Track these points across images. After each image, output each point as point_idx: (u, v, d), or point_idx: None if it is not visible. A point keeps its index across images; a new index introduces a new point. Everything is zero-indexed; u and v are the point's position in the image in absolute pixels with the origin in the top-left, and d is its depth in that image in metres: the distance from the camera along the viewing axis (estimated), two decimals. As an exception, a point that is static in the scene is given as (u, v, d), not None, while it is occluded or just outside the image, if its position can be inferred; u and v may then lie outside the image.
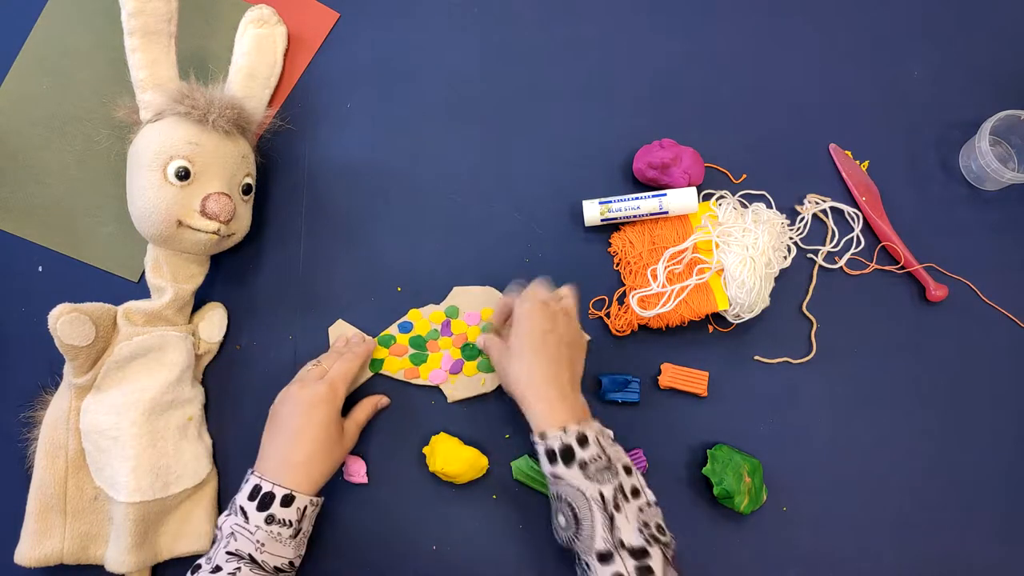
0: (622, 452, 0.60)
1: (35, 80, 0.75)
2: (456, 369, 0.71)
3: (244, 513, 0.58)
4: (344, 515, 0.69)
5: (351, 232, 0.74)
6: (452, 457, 0.66)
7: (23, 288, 0.73)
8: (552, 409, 0.59)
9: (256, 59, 0.73)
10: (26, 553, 0.63)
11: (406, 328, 0.71)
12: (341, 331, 0.71)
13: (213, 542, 0.61)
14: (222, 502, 0.69)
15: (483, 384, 0.70)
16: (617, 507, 0.55)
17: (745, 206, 0.71)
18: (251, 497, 0.59)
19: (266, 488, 0.58)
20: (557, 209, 0.75)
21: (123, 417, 0.63)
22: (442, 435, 0.68)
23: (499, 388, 0.70)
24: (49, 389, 0.68)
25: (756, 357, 0.72)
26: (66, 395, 0.65)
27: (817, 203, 0.74)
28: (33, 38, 0.76)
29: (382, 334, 0.71)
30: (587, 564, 0.56)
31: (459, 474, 0.66)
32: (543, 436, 0.59)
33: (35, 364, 0.70)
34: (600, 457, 0.57)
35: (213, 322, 0.71)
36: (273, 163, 0.75)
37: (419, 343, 0.71)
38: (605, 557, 0.54)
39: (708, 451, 0.68)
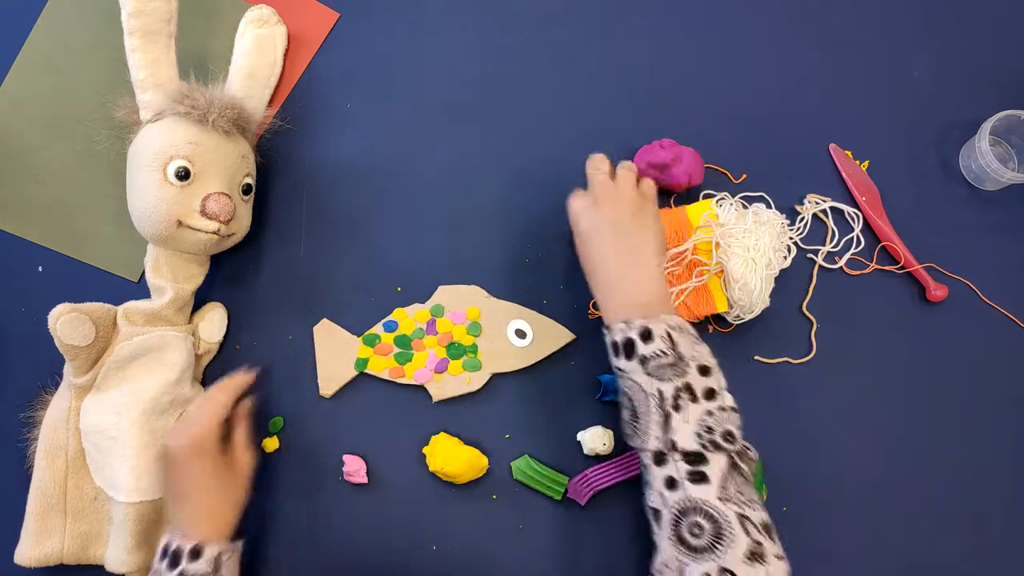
0: (704, 352, 0.57)
1: (35, 80, 0.75)
2: (441, 368, 0.70)
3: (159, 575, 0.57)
4: (344, 515, 0.69)
5: (351, 232, 0.74)
6: (452, 457, 0.66)
7: (23, 288, 0.73)
8: (616, 300, 0.58)
9: (256, 59, 0.73)
10: (26, 553, 0.63)
11: (391, 327, 0.71)
12: (327, 331, 0.71)
13: None
14: (222, 502, 0.69)
15: (468, 383, 0.70)
16: (677, 407, 0.53)
17: (745, 207, 0.71)
18: (162, 557, 0.57)
19: (173, 545, 0.57)
20: (557, 209, 0.74)
21: (123, 417, 0.63)
22: (442, 435, 0.68)
23: (484, 387, 0.70)
24: (49, 389, 0.68)
25: (756, 357, 0.72)
26: (66, 395, 0.65)
27: (817, 203, 0.74)
28: (33, 38, 0.76)
29: (367, 333, 0.71)
30: (645, 464, 0.55)
31: (459, 474, 0.66)
32: (608, 328, 0.58)
33: (35, 364, 0.70)
34: (665, 353, 0.54)
35: (213, 322, 0.71)
36: (273, 163, 0.75)
37: (404, 342, 0.71)
38: (659, 457, 0.53)
39: (708, 451, 0.68)
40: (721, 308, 0.69)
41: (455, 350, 0.71)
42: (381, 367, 0.71)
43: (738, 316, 0.69)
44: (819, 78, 0.78)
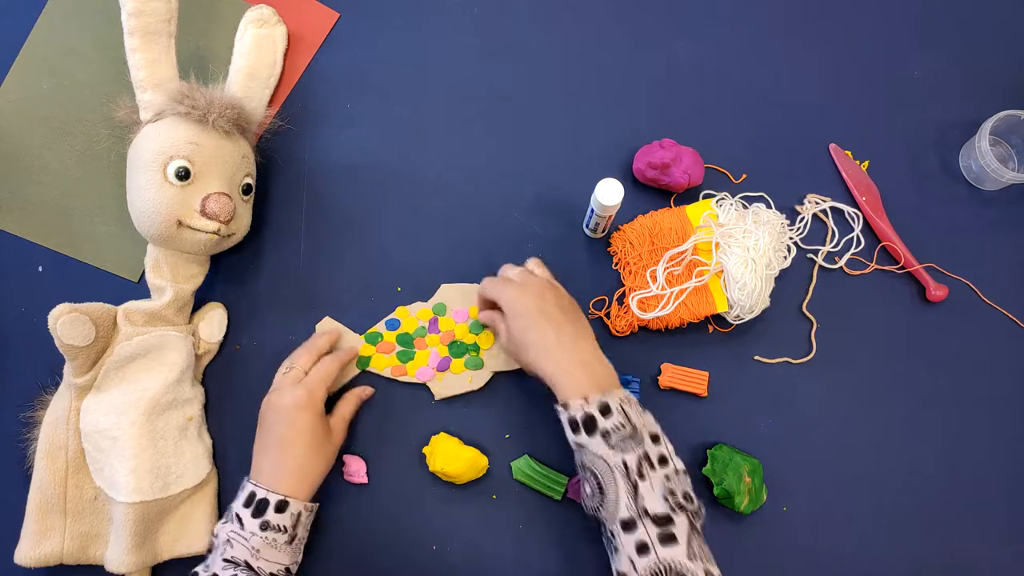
0: (651, 419, 0.59)
1: (35, 80, 0.75)
2: (443, 367, 0.71)
3: (240, 520, 0.58)
4: (344, 515, 0.69)
5: (351, 232, 0.74)
6: (452, 457, 0.66)
7: (23, 288, 0.73)
8: (572, 378, 0.59)
9: (256, 59, 0.73)
10: (26, 553, 0.63)
11: (393, 325, 0.71)
12: (328, 328, 0.71)
13: (210, 550, 0.61)
14: (222, 502, 0.69)
15: (470, 381, 0.70)
16: (641, 475, 0.55)
17: (745, 207, 0.71)
18: (246, 504, 0.59)
19: (260, 495, 0.59)
20: (557, 209, 0.75)
21: (123, 417, 0.63)
22: (442, 435, 0.68)
23: (486, 387, 0.71)
24: (49, 389, 0.68)
25: (756, 357, 0.72)
26: (66, 395, 0.65)
27: (817, 203, 0.74)
28: (33, 38, 0.76)
29: (369, 331, 0.71)
30: (612, 532, 0.56)
31: (459, 474, 0.66)
32: (565, 406, 0.59)
33: (35, 364, 0.70)
34: (624, 426, 0.56)
35: (213, 322, 0.71)
36: (273, 163, 0.75)
37: (406, 340, 0.71)
38: (628, 525, 0.55)
39: (708, 451, 0.68)
40: (721, 308, 0.69)
41: (457, 348, 0.71)
42: (383, 365, 0.71)
43: (738, 316, 0.69)
44: (819, 78, 0.78)
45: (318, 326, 0.72)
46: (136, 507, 0.62)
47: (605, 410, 0.57)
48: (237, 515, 0.59)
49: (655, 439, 0.58)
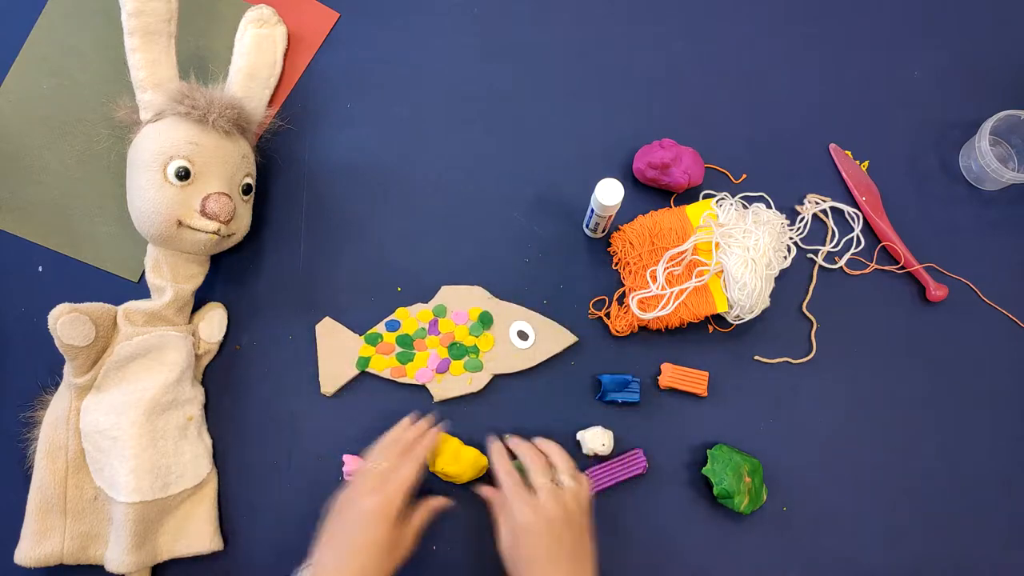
0: None
1: (35, 80, 0.75)
2: (443, 368, 0.71)
3: None
4: (344, 515, 0.69)
5: (351, 232, 0.74)
6: (453, 457, 0.66)
7: (23, 288, 0.73)
8: None
9: (256, 59, 0.73)
10: (26, 553, 0.63)
11: (393, 326, 0.71)
12: (329, 329, 0.71)
13: None
14: (222, 502, 0.69)
15: (470, 383, 0.70)
16: None
17: (745, 207, 0.71)
18: None
19: None
20: (557, 209, 0.75)
21: (123, 417, 0.63)
22: (444, 435, 0.68)
23: (485, 388, 0.71)
24: (49, 389, 0.68)
25: (756, 357, 0.72)
26: (66, 395, 0.65)
27: (817, 203, 0.74)
28: (33, 38, 0.76)
29: (369, 332, 0.71)
30: None
31: (460, 474, 0.66)
32: None
33: (35, 364, 0.70)
34: None
35: (213, 322, 0.71)
36: (273, 163, 0.75)
37: (406, 342, 0.71)
38: None
39: (708, 451, 0.68)
40: (721, 308, 0.69)
41: (457, 350, 0.71)
42: (383, 366, 0.71)
43: (738, 316, 0.69)
44: (819, 78, 0.78)
45: (318, 326, 0.72)
46: (136, 507, 0.62)
47: None
48: None
49: None
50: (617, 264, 0.73)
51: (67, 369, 0.65)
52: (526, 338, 0.71)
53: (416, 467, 0.61)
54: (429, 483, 0.68)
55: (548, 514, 0.58)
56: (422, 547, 0.68)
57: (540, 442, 0.66)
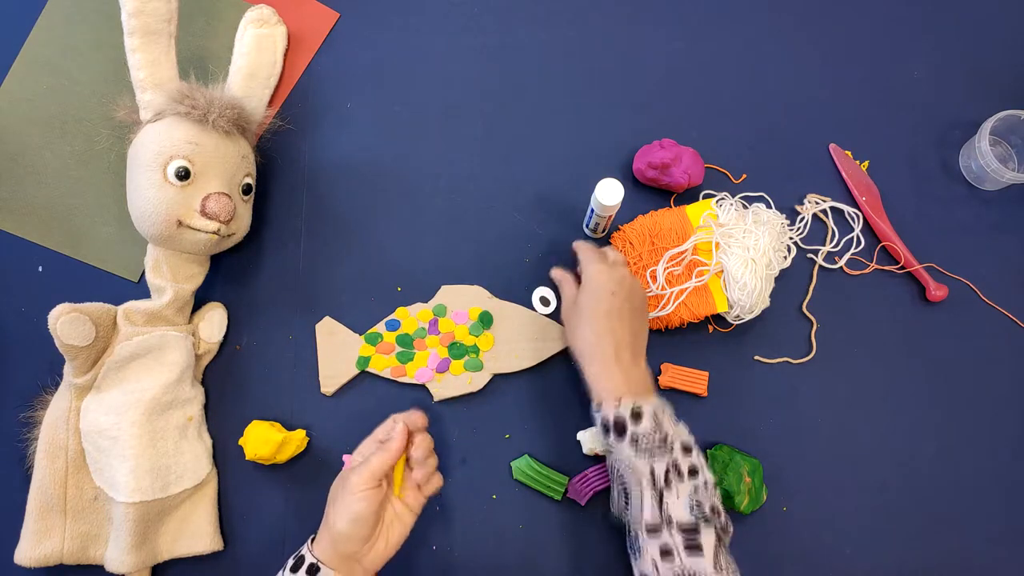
0: (684, 430, 0.60)
1: (35, 80, 0.75)
2: (443, 368, 0.71)
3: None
4: (344, 515, 0.69)
5: (351, 232, 0.74)
6: (262, 441, 0.66)
7: (23, 288, 0.73)
8: (611, 379, 0.60)
9: (256, 59, 0.73)
10: (26, 553, 0.63)
11: (393, 326, 0.71)
12: (329, 329, 0.71)
13: None
14: (222, 502, 0.69)
15: (469, 383, 0.70)
16: (668, 483, 0.56)
17: (745, 207, 0.71)
18: (295, 565, 0.57)
19: (309, 560, 0.57)
20: (557, 209, 0.75)
21: (123, 417, 0.63)
22: (253, 422, 0.68)
23: (485, 387, 0.71)
24: (49, 389, 0.68)
25: (756, 357, 0.72)
26: (66, 395, 0.65)
27: (817, 203, 0.74)
28: (33, 38, 0.76)
29: (369, 332, 0.71)
30: (636, 534, 0.57)
31: (272, 455, 0.66)
32: (599, 407, 0.60)
33: (35, 364, 0.70)
34: (654, 433, 0.57)
35: (213, 322, 0.71)
36: (273, 163, 0.75)
37: (406, 341, 0.71)
38: (653, 530, 0.55)
39: (708, 451, 0.68)
40: (721, 308, 0.69)
41: (457, 350, 0.71)
42: (383, 366, 0.71)
43: (738, 316, 0.69)
44: (819, 78, 0.78)
45: (318, 326, 0.72)
46: (136, 507, 0.62)
47: (637, 415, 0.57)
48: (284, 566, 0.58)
49: (687, 450, 0.58)
50: (617, 264, 0.73)
51: (67, 369, 0.65)
52: (548, 304, 0.72)
53: (389, 453, 0.59)
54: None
55: (620, 274, 0.63)
56: (422, 547, 0.68)
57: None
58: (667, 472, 0.56)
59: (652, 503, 0.55)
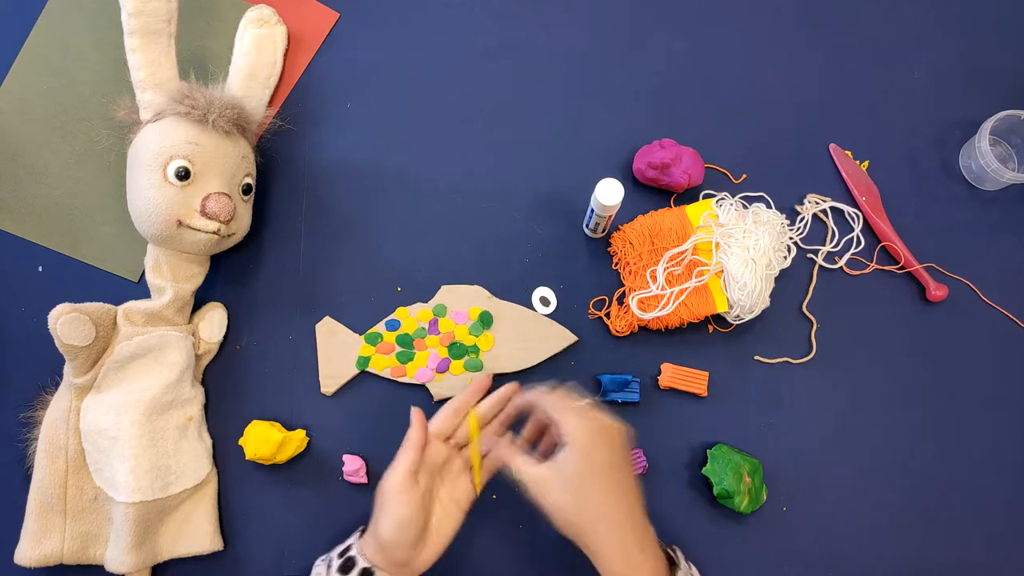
0: None
1: (35, 80, 0.75)
2: (443, 368, 0.71)
3: (329, 567, 0.57)
4: (344, 515, 0.69)
5: (351, 232, 0.74)
6: (262, 441, 0.66)
7: (23, 288, 0.73)
8: (630, 561, 0.51)
9: (256, 59, 0.73)
10: (26, 553, 0.63)
11: (393, 326, 0.71)
12: (329, 328, 0.71)
13: None
14: (222, 502, 0.69)
15: (469, 383, 0.70)
16: None
17: (745, 207, 0.71)
18: (340, 554, 0.57)
19: (355, 555, 0.56)
20: (557, 209, 0.75)
21: (123, 417, 0.63)
22: (253, 423, 0.68)
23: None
24: (49, 389, 0.68)
25: (756, 357, 0.72)
26: (66, 395, 0.65)
27: (817, 203, 0.74)
28: (33, 38, 0.76)
29: (369, 331, 0.71)
30: None
31: (273, 455, 0.66)
32: None
33: (35, 364, 0.70)
34: None
35: (213, 322, 0.71)
36: (273, 163, 0.75)
37: (406, 341, 0.71)
38: None
39: (708, 451, 0.68)
40: (721, 308, 0.69)
41: (457, 350, 0.71)
42: (383, 366, 0.71)
43: (738, 316, 0.69)
44: (819, 78, 0.78)
45: (318, 326, 0.72)
46: (136, 507, 0.62)
47: None
48: (327, 559, 0.58)
49: None
50: (617, 264, 0.73)
51: (67, 369, 0.65)
52: (548, 304, 0.72)
53: (407, 452, 0.58)
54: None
55: (606, 427, 0.54)
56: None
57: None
58: None
59: None
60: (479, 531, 0.69)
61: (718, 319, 0.72)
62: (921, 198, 0.76)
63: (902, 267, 0.74)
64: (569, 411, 0.55)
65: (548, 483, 0.53)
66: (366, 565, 0.55)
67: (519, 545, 0.69)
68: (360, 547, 0.57)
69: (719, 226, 0.69)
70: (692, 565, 0.57)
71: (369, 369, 0.71)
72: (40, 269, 0.74)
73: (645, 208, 0.73)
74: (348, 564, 0.56)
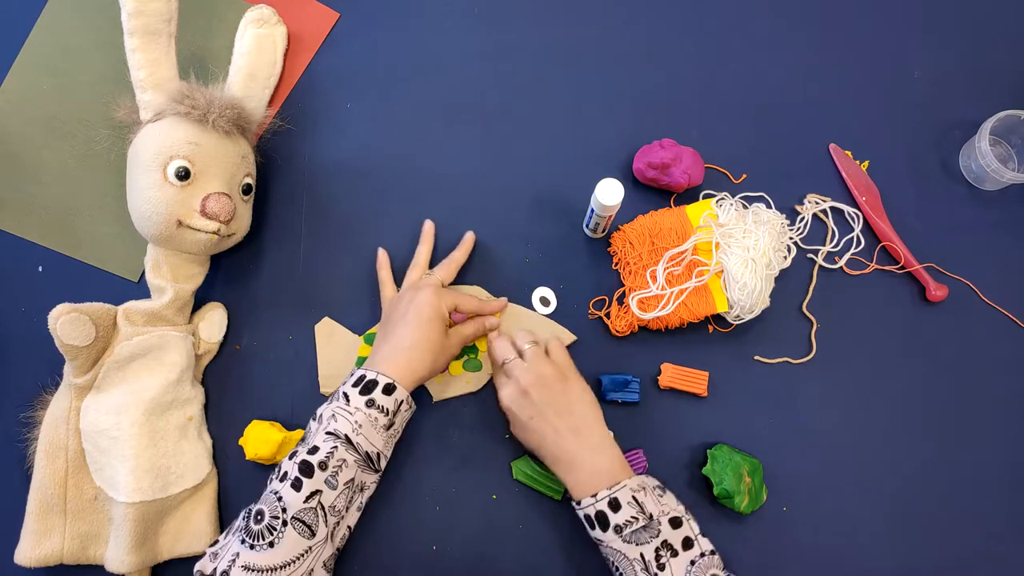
0: (671, 501, 0.59)
1: (35, 80, 0.75)
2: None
3: (346, 397, 0.60)
4: (344, 515, 0.69)
5: (351, 232, 0.74)
6: (263, 441, 0.66)
7: (23, 288, 0.73)
8: (579, 475, 0.60)
9: (256, 59, 0.73)
10: (26, 553, 0.63)
11: None
12: (328, 329, 0.71)
13: (304, 437, 0.61)
14: (222, 502, 0.69)
15: (468, 383, 0.70)
16: (661, 567, 0.55)
17: (745, 207, 0.71)
18: (355, 384, 0.60)
19: (370, 376, 0.60)
20: (557, 209, 0.75)
21: (123, 417, 0.63)
22: (253, 423, 0.68)
23: (485, 387, 0.71)
24: (49, 389, 0.68)
25: (756, 357, 0.72)
26: (66, 395, 0.65)
27: (817, 203, 0.74)
28: (33, 38, 0.76)
29: (369, 332, 0.71)
30: None
31: (271, 455, 0.67)
32: (577, 503, 0.59)
33: (35, 364, 0.70)
34: (636, 518, 0.56)
35: (213, 322, 0.71)
36: (273, 163, 0.75)
37: None
38: None
39: (708, 451, 0.68)
40: (721, 308, 0.69)
41: (455, 350, 0.71)
42: (381, 367, 0.71)
43: (738, 316, 0.69)
44: (819, 78, 0.78)
45: (318, 326, 0.72)
46: (136, 507, 0.62)
47: (614, 505, 0.57)
48: (344, 393, 0.60)
49: (675, 523, 0.57)
50: (617, 264, 0.73)
51: (67, 369, 0.65)
52: (548, 304, 0.72)
53: (449, 266, 0.70)
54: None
55: (530, 377, 0.62)
56: (422, 547, 0.68)
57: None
58: (658, 553, 0.55)
59: None
60: (479, 531, 0.69)
61: (718, 319, 0.72)
62: (921, 198, 0.76)
63: (902, 267, 0.74)
64: (500, 375, 0.65)
65: (513, 419, 0.64)
66: (389, 380, 0.60)
67: (519, 545, 0.68)
68: (376, 370, 0.61)
69: (719, 226, 0.69)
70: (649, 496, 0.58)
71: (369, 369, 0.71)
72: (40, 269, 0.74)
73: (645, 208, 0.73)
74: (368, 385, 0.60)
